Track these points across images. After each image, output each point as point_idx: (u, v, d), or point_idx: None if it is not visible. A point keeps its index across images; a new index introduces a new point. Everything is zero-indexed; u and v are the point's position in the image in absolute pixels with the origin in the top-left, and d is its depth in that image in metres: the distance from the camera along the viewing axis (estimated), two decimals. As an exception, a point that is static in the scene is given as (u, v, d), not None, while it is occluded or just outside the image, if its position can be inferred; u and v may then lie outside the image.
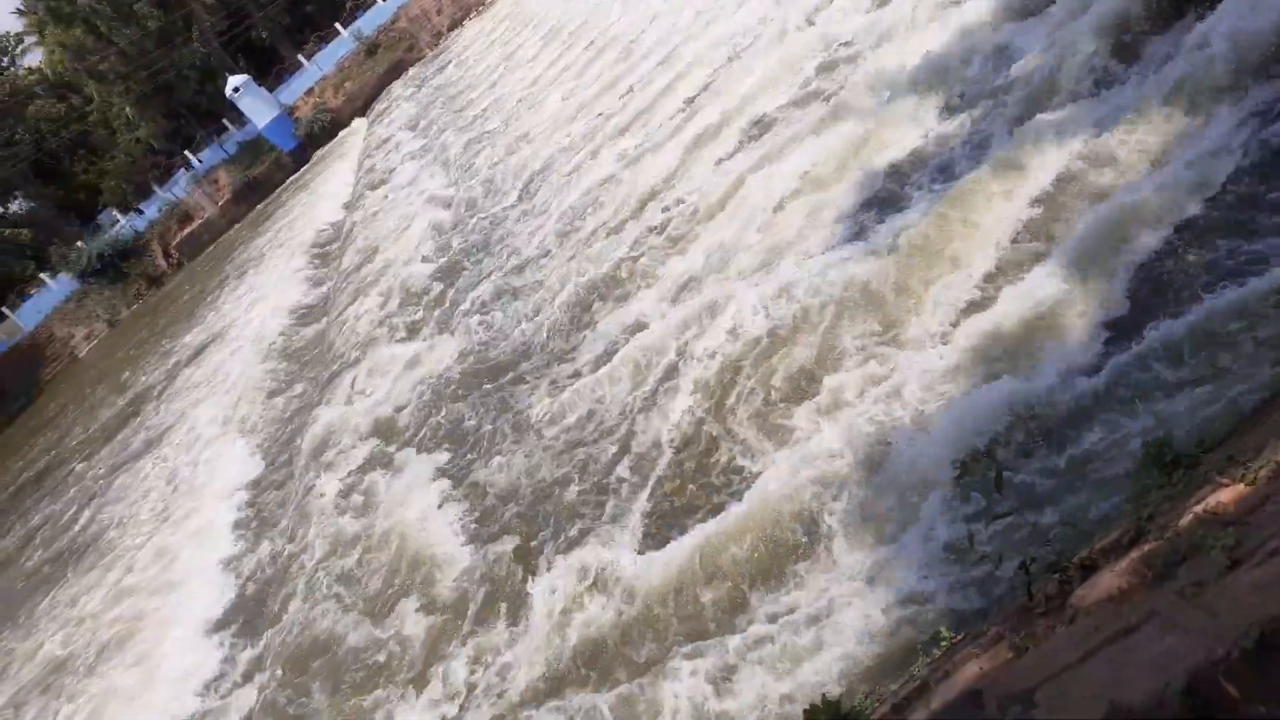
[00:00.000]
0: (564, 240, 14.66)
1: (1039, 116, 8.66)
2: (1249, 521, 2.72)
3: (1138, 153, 7.63)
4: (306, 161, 52.08)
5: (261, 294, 29.03)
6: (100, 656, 13.04)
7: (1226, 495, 3.00)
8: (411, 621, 8.57)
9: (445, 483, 10.44)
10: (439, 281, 17.25)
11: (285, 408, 18.04)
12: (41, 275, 51.92)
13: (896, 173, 9.81)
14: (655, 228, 12.64)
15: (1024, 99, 9.28)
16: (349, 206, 32.40)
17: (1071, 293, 6.50)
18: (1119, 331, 6.22)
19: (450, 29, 54.71)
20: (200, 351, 28.17)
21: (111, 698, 11.60)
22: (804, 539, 6.26)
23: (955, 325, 7.22)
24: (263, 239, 40.12)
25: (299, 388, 18.61)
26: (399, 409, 13.24)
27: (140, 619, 13.23)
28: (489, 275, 15.48)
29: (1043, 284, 6.63)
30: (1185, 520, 3.00)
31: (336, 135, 51.95)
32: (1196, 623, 2.21)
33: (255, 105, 53.36)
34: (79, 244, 51.75)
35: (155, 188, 54.77)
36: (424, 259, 19.07)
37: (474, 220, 19.20)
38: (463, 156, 25.29)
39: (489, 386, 11.81)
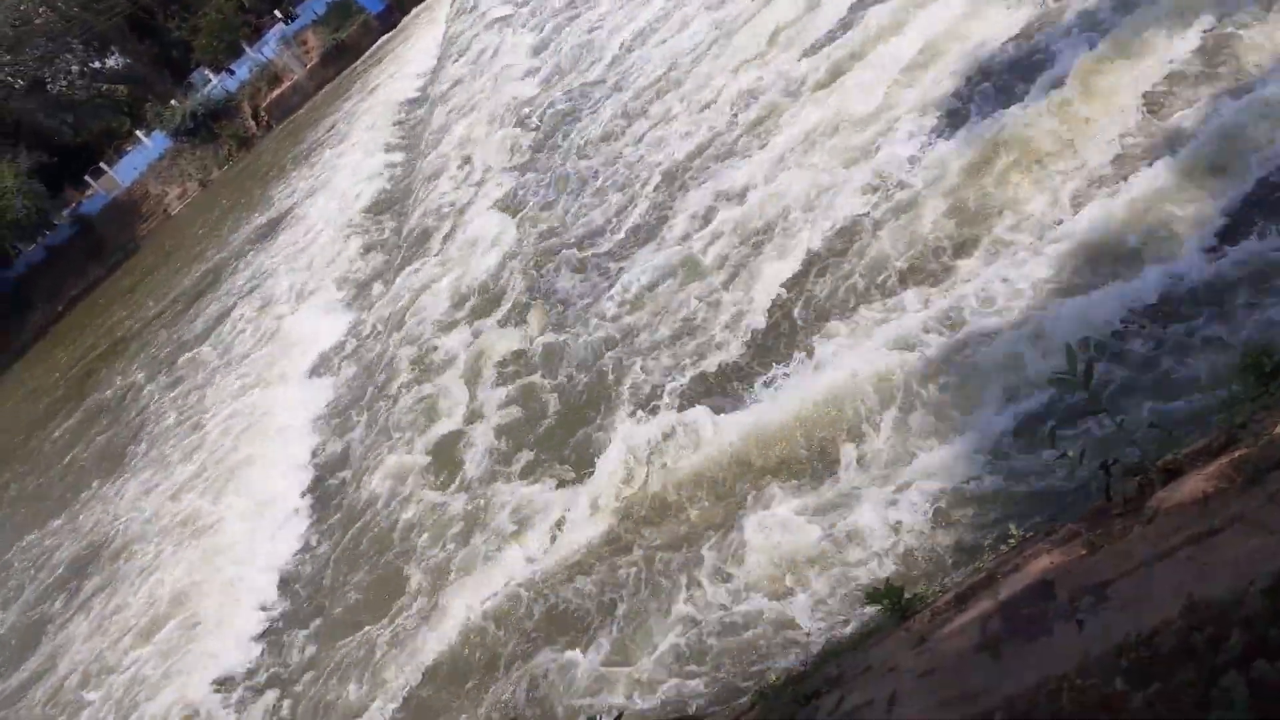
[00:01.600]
0: (649, 113, 14.38)
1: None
2: (1351, 432, 2.63)
3: (1265, 37, 7.11)
4: (395, 26, 51.54)
5: (344, 164, 29.31)
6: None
7: (1330, 405, 2.90)
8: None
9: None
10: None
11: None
12: (137, 133, 53.05)
13: (1002, 57, 9.29)
14: (745, 113, 12.29)
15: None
16: (432, 74, 32.14)
17: (1189, 190, 6.18)
18: (1233, 234, 5.93)
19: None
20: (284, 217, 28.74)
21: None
22: (890, 413, 6.25)
23: (1070, 215, 6.94)
24: (350, 103, 40.17)
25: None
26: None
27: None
28: (575, 151, 15.34)
29: (1161, 178, 6.31)
30: (1281, 428, 2.92)
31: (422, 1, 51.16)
32: (1286, 527, 2.18)
33: (345, -37, 52.67)
34: (173, 102, 52.55)
35: (246, 48, 54.96)
36: (507, 122, 18.96)
37: (555, 93, 18.91)
38: (550, 23, 24.73)
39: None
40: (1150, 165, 6.57)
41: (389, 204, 22.19)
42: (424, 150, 23.16)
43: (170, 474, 15.63)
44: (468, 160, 19.15)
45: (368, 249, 19.73)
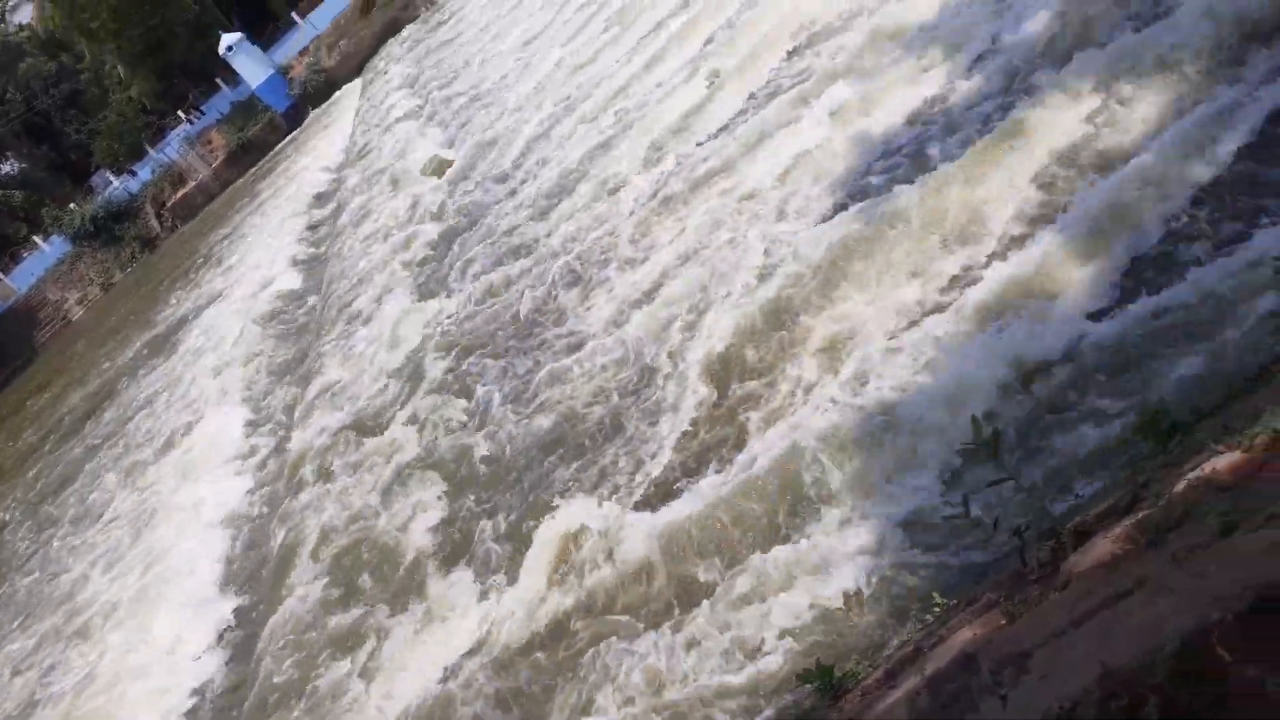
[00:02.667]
0: (563, 199, 14.55)
1: (1046, 75, 8.60)
2: (1245, 489, 2.72)
3: (1143, 115, 7.58)
4: (301, 122, 51.57)
5: (254, 258, 28.90)
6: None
7: (1223, 463, 3.01)
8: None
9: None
10: (438, 245, 17.16)
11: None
12: (34, 238, 51.58)
13: (903, 137, 9.73)
14: (656, 192, 12.55)
15: (1031, 58, 9.20)
16: (343, 167, 32.16)
17: (1077, 255, 6.48)
18: (1122, 295, 6.21)
19: (446, -13, 53.93)
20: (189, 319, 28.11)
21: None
22: (804, 497, 6.28)
23: (962, 286, 7.20)
24: (256, 201, 39.84)
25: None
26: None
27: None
28: (489, 236, 15.37)
29: (1049, 247, 6.60)
30: (1180, 487, 3.00)
31: (331, 95, 51.41)
32: (1189, 587, 2.22)
33: (249, 64, 52.72)
34: (72, 206, 51.35)
35: (148, 149, 54.27)
36: (426, 217, 18.97)
37: (470, 181, 19.05)
38: (460, 116, 25.05)
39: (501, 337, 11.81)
40: (1042, 235, 6.88)
41: (296, 304, 21.88)
42: (333, 249, 23.01)
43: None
44: (377, 254, 19.07)
45: (271, 359, 19.22)
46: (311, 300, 21.13)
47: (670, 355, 8.94)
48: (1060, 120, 7.88)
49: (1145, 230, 6.47)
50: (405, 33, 51.04)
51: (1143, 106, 7.52)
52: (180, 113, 55.14)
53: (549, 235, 13.70)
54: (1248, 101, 7.02)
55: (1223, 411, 4.39)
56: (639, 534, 6.85)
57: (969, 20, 10.46)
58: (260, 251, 29.35)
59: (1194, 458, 3.41)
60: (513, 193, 16.67)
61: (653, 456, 7.92)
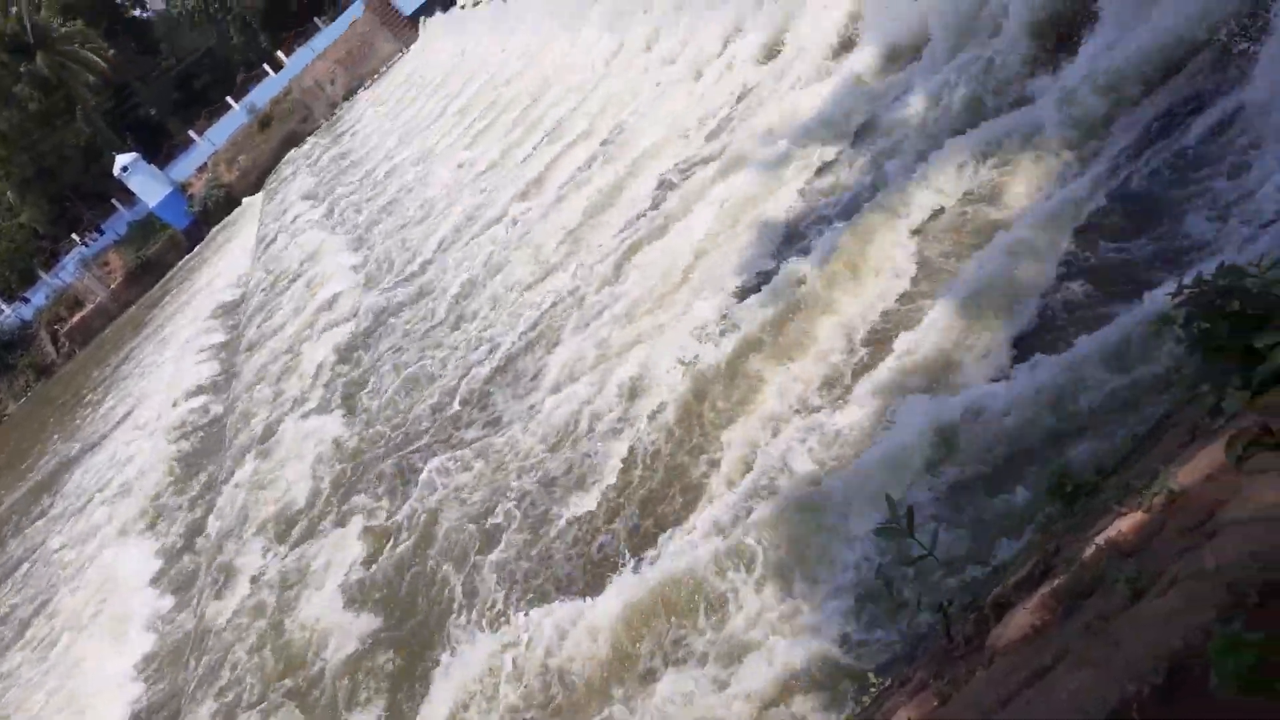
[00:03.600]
0: (469, 304, 14.53)
1: (926, 156, 9.00)
2: (1149, 550, 2.78)
3: (1019, 188, 7.97)
4: (202, 238, 50.89)
5: (154, 381, 28.05)
6: None
7: (1126, 524, 3.07)
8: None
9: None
10: (347, 356, 16.90)
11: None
12: (-79, 371, 49.31)
13: (792, 222, 10.03)
14: (561, 294, 12.64)
15: (910, 141, 9.64)
16: (246, 281, 31.68)
17: (968, 329, 6.69)
18: (1021, 362, 6.42)
19: (345, 98, 54.43)
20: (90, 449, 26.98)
21: None
22: (727, 589, 6.23)
23: (864, 365, 7.36)
24: (159, 320, 38.86)
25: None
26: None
27: None
28: (394, 350, 15.21)
29: (941, 323, 6.81)
30: (1089, 552, 3.06)
31: (232, 211, 50.96)
32: (1106, 659, 2.24)
33: (145, 183, 52.04)
34: (-40, 337, 49.41)
35: (41, 274, 52.70)
36: (329, 326, 18.70)
37: (378, 288, 18.93)
38: (361, 225, 25.02)
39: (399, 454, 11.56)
40: (934, 309, 7.10)
41: (202, 427, 21.21)
42: (239, 363, 22.49)
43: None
44: (287, 367, 18.69)
45: (179, 483, 18.49)
46: (218, 414, 20.50)
47: (586, 454, 8.88)
48: (940, 198, 8.24)
49: (1031, 298, 6.74)
50: (306, 145, 51.19)
51: (1016, 182, 7.92)
52: (75, 235, 53.86)
53: (458, 338, 13.64)
54: (1121, 164, 7.46)
55: (1124, 468, 4.53)
56: (559, 637, 6.68)
57: (850, 108, 10.96)
58: (161, 373, 28.51)
59: (1099, 520, 3.49)
60: (421, 296, 16.61)
61: (567, 554, 7.81)
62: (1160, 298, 5.32)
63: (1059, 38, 9.14)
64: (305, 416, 15.17)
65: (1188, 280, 3.33)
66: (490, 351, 12.39)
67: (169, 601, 13.71)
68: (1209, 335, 3.25)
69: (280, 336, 21.08)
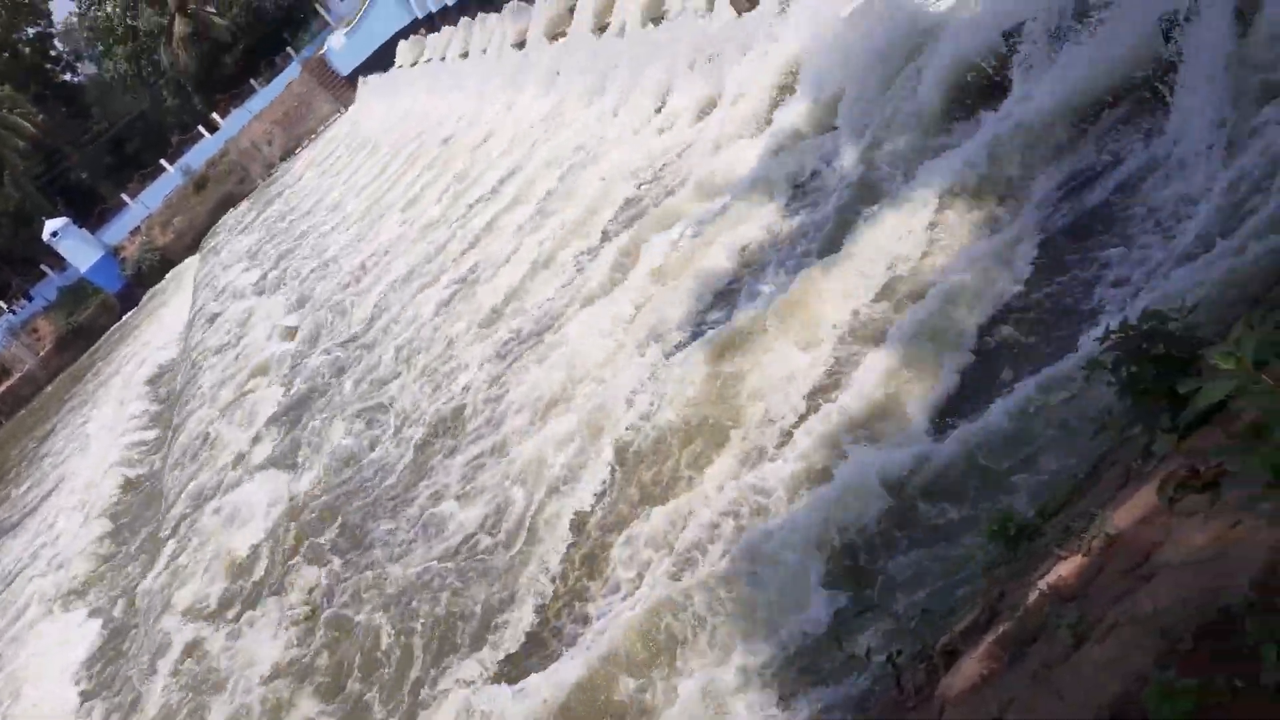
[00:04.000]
0: (409, 366, 14.38)
1: (859, 208, 9.19)
2: (1089, 595, 2.81)
3: (949, 238, 8.17)
4: (136, 302, 49.82)
5: (84, 452, 27.19)
6: None
7: (1066, 569, 3.11)
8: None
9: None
10: (285, 418, 16.57)
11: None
12: None
13: (731, 276, 10.14)
14: (500, 352, 12.57)
15: (845, 196, 9.83)
16: (183, 343, 31.01)
17: (908, 377, 6.79)
18: (958, 412, 6.51)
19: (283, 158, 54.09)
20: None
21: None
22: (679, 647, 6.15)
23: (800, 421, 7.40)
24: (90, 387, 37.81)
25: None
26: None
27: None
28: (328, 419, 14.93)
29: (880, 373, 6.90)
30: (1033, 598, 3.08)
31: (167, 274, 50.09)
32: (1050, 708, 2.24)
33: (77, 248, 50.95)
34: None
35: (-34, 343, 51.09)
36: (263, 389, 18.34)
37: (316, 350, 18.66)
38: (299, 286, 24.71)
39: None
40: (873, 360, 7.20)
41: (135, 502, 20.55)
42: (174, 429, 21.92)
43: None
44: (224, 429, 18.25)
45: (107, 559, 17.84)
46: (149, 485, 19.89)
47: (527, 521, 8.77)
48: (874, 249, 8.40)
49: (968, 344, 6.88)
50: (242, 206, 50.68)
51: (947, 231, 8.12)
52: (1, 303, 52.40)
53: (396, 401, 13.48)
54: (1046, 213, 7.70)
55: (1064, 509, 4.59)
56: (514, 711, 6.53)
57: (788, 163, 11.18)
58: (90, 445, 27.63)
59: (1042, 564, 3.53)
60: (360, 358, 16.41)
61: (516, 626, 7.67)
62: (1090, 342, 5.44)
63: (978, 92, 9.47)
64: (237, 486, 14.79)
65: (1114, 325, 3.43)
66: (422, 422, 12.23)
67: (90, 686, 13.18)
68: (1136, 379, 3.34)
69: (214, 403, 20.61)
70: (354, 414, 14.10)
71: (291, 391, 17.38)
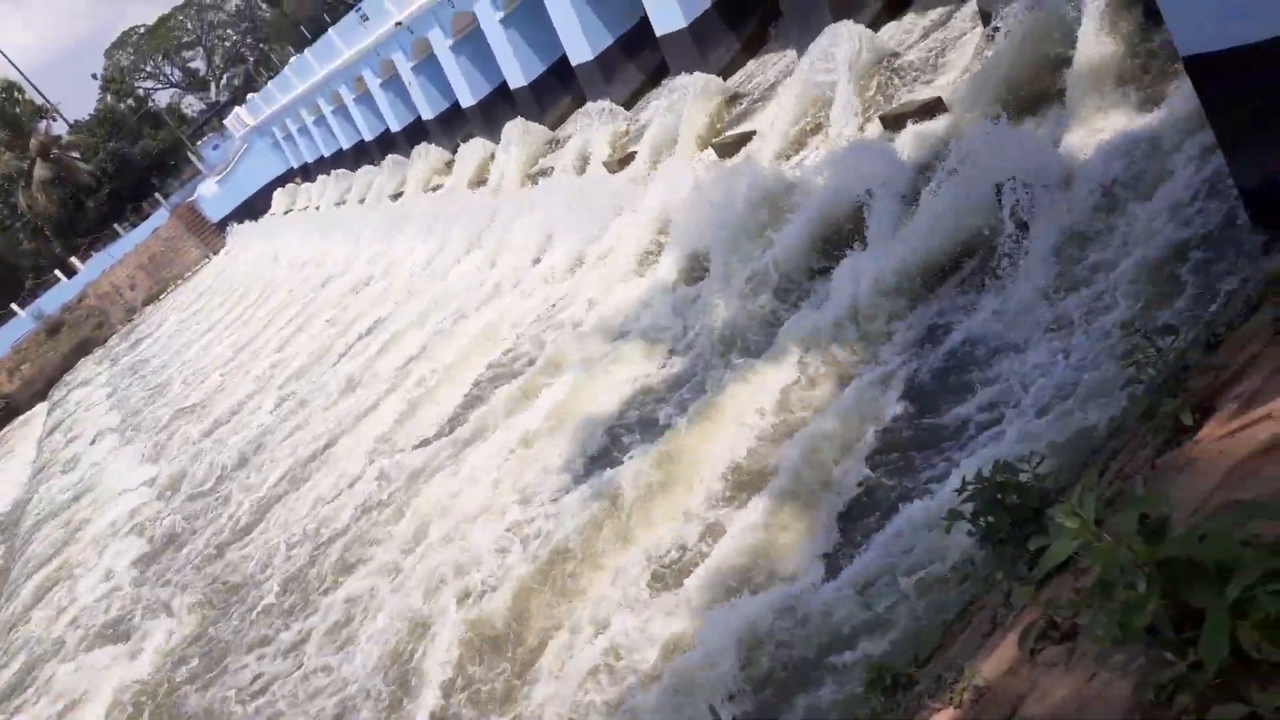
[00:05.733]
0: (265, 522, 13.73)
1: (731, 360, 9.47)
2: (961, 750, 2.82)
3: (813, 389, 8.48)
4: (-25, 452, 46.33)
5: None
6: None
7: (939, 722, 3.12)
8: None
9: None
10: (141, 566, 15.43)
11: None
12: None
13: (606, 425, 10.20)
14: (370, 502, 12.18)
15: (715, 347, 10.14)
16: (26, 497, 28.82)
17: (779, 527, 6.87)
18: (836, 553, 6.61)
19: (146, 304, 52.38)
20: None
21: None
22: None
23: (685, 565, 7.36)
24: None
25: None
26: None
27: None
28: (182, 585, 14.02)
29: (750, 524, 6.97)
30: (909, 756, 3.07)
31: (12, 421, 47.02)
32: None
33: (-90, 396, 47.47)
34: None
35: None
36: (115, 543, 17.10)
37: (177, 498, 17.64)
38: (163, 431, 23.53)
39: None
40: (744, 510, 7.29)
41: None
42: (12, 587, 20.11)
43: None
44: (72, 577, 16.87)
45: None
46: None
47: (405, 671, 8.34)
48: (746, 397, 8.63)
49: (835, 494, 7.05)
50: (99, 352, 48.54)
51: (813, 381, 8.44)
52: None
53: (262, 551, 12.79)
54: (903, 361, 8.09)
55: (936, 658, 4.65)
56: None
57: (660, 314, 11.49)
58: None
59: (915, 716, 3.54)
60: (224, 503, 15.61)
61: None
62: (950, 492, 5.66)
63: (837, 249, 10.05)
64: (74, 658, 13.58)
65: (970, 476, 3.59)
66: (285, 581, 11.64)
67: None
68: (993, 529, 3.48)
69: (59, 560, 19.07)
70: (214, 566, 13.29)
71: (146, 543, 16.32)
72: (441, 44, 27.05)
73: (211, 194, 50.96)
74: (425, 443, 12.84)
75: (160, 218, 54.17)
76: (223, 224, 51.18)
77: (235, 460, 17.50)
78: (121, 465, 23.12)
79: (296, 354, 22.00)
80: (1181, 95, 7.36)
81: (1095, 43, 8.97)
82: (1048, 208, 8.01)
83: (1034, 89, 9.92)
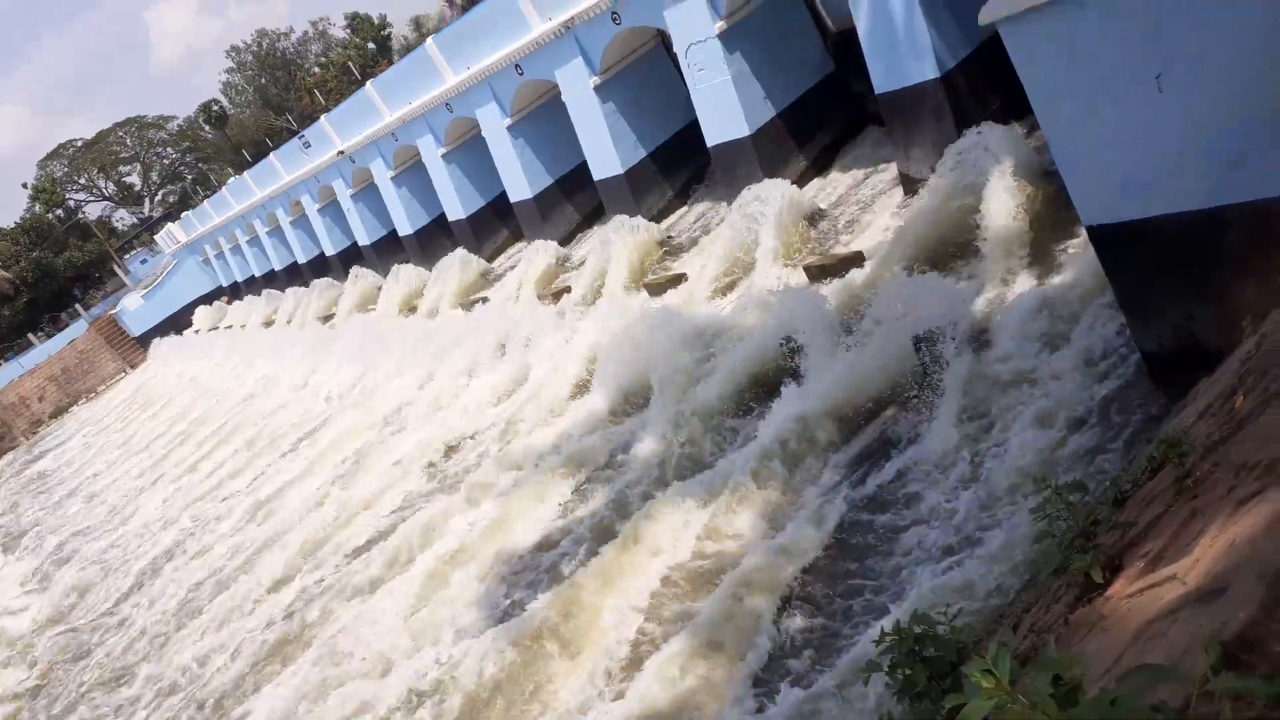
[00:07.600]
0: (159, 655, 12.95)
1: (659, 492, 9.40)
2: None
3: (740, 525, 8.44)
4: None
5: None
6: None
7: None
8: None
9: None
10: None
11: None
12: None
13: (528, 556, 9.98)
14: (284, 636, 11.59)
15: (643, 480, 10.09)
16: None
17: (703, 670, 6.70)
18: (766, 688, 6.45)
19: (54, 415, 50.43)
20: None
21: None
22: None
23: (608, 699, 7.10)
24: None
25: None
26: None
27: None
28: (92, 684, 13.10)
29: (675, 667, 6.79)
30: None
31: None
32: None
33: None
34: None
35: None
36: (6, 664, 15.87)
37: (69, 620, 16.53)
38: (59, 551, 22.24)
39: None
40: (668, 651, 7.10)
41: None
42: None
43: None
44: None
45: None
46: None
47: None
48: (672, 534, 8.55)
49: (760, 636, 6.93)
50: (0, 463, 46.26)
51: (742, 517, 8.41)
52: None
53: (163, 678, 12.02)
54: (827, 504, 8.13)
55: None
56: None
57: (589, 446, 11.44)
58: None
59: None
60: (122, 626, 14.69)
61: None
62: (869, 644, 5.62)
63: (765, 389, 10.23)
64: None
65: (888, 627, 3.57)
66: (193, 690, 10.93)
67: None
68: (910, 682, 3.44)
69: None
70: (108, 696, 12.40)
71: (29, 670, 15.19)
72: (383, 175, 27.52)
73: (135, 307, 49.99)
74: (341, 571, 12.37)
75: (79, 329, 52.84)
76: (144, 339, 50.05)
77: (131, 585, 16.59)
78: (3, 588, 21.72)
79: (209, 475, 21.23)
80: (1087, 259, 7.81)
81: (1006, 208, 9.56)
82: (962, 359, 8.32)
83: (949, 246, 10.45)
